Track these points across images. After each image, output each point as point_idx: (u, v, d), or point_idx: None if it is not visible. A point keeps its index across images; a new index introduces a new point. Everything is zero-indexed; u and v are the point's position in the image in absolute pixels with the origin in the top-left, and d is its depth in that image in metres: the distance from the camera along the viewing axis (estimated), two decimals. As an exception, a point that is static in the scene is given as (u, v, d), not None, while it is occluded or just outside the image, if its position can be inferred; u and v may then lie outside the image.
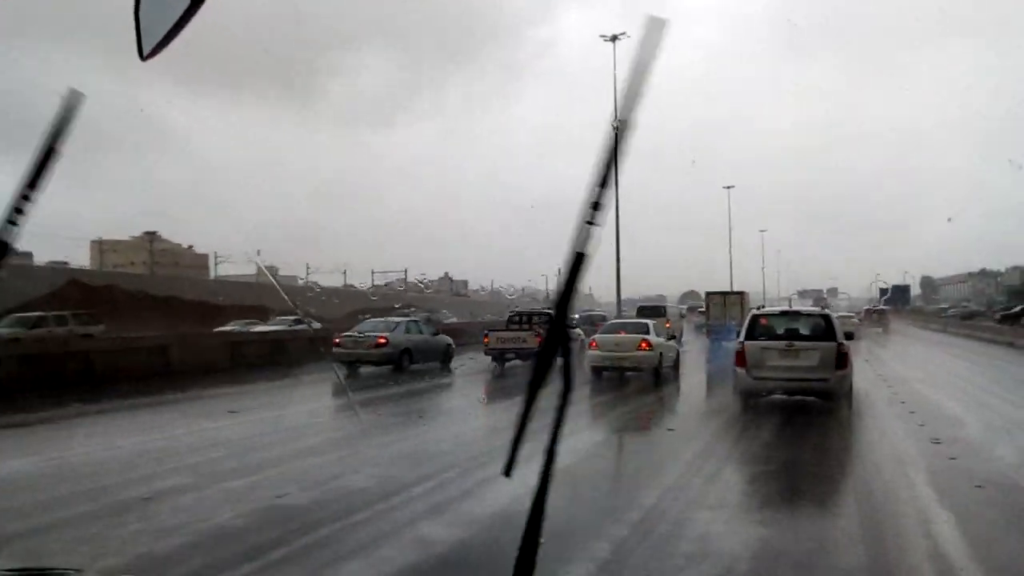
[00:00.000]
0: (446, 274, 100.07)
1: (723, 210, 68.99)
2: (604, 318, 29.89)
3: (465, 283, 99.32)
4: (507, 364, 22.91)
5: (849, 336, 15.48)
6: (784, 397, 14.06)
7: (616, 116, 1.36)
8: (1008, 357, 28.50)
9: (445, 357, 23.80)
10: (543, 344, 1.36)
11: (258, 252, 65.16)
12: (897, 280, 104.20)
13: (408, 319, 24.77)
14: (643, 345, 18.25)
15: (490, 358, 23.07)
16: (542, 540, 1.25)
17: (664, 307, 36.53)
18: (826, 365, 13.38)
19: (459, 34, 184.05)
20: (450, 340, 24.44)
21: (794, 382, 13.68)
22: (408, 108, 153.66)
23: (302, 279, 70.40)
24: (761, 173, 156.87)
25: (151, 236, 78.91)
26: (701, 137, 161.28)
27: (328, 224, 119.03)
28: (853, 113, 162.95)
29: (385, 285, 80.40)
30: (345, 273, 72.17)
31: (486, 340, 23.29)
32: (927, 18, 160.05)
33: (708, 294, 41.13)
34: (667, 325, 25.92)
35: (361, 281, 75.88)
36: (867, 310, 57.98)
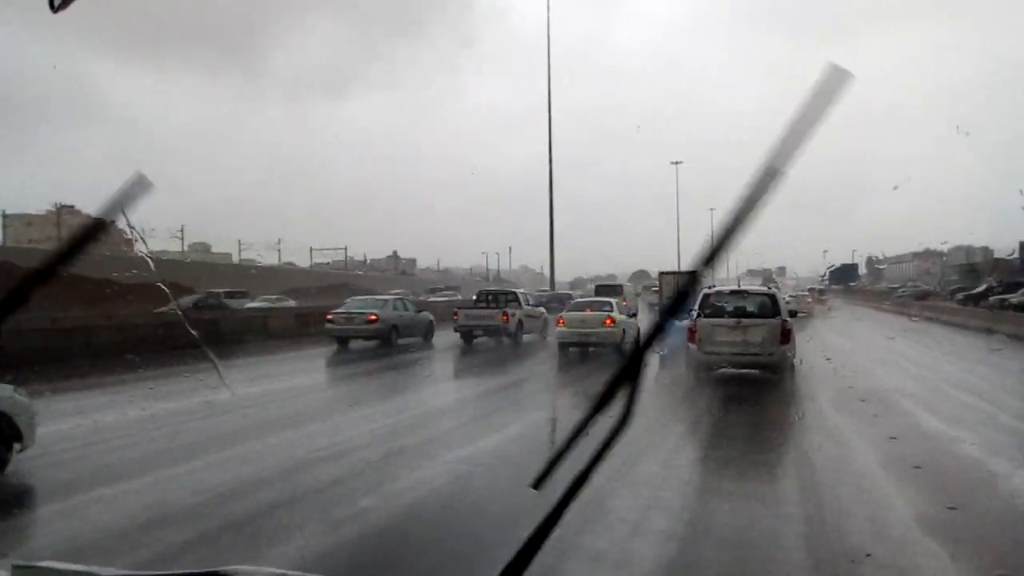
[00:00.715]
0: (394, 252, 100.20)
1: (672, 188, 70.80)
2: (571, 297, 31.77)
3: (414, 262, 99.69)
4: (475, 340, 24.73)
5: (793, 314, 17.29)
6: (733, 370, 15.69)
7: (772, 161, 1.29)
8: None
9: (427, 333, 25.98)
10: (616, 374, 1.31)
11: (181, 228, 63.50)
12: (845, 259, 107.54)
13: (395, 297, 27.42)
14: (607, 322, 20.27)
15: (459, 335, 24.85)
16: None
17: (621, 286, 39.24)
18: (771, 340, 14.97)
19: (409, 2, 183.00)
20: (431, 317, 26.42)
21: (742, 356, 15.26)
22: (357, 79, 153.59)
23: (255, 257, 69.63)
24: (711, 151, 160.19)
25: (64, 209, 74.07)
26: (649, 112, 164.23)
27: (269, 199, 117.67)
28: (800, 91, 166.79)
29: (329, 263, 79.62)
30: (279, 250, 70.32)
31: (455, 317, 25.12)
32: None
33: (661, 273, 43.18)
34: (624, 303, 27.94)
35: (296, 259, 74.76)
36: (810, 289, 60.48)
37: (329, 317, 24.29)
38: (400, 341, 24.36)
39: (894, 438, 9.76)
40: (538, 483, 1.32)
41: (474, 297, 29.08)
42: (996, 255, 79.68)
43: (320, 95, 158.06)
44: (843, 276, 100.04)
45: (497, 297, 27.16)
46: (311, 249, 76.97)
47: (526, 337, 25.63)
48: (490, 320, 24.80)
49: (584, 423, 1.32)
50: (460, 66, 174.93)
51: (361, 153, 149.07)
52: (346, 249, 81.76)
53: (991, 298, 43.06)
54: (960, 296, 50.79)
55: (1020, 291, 42.24)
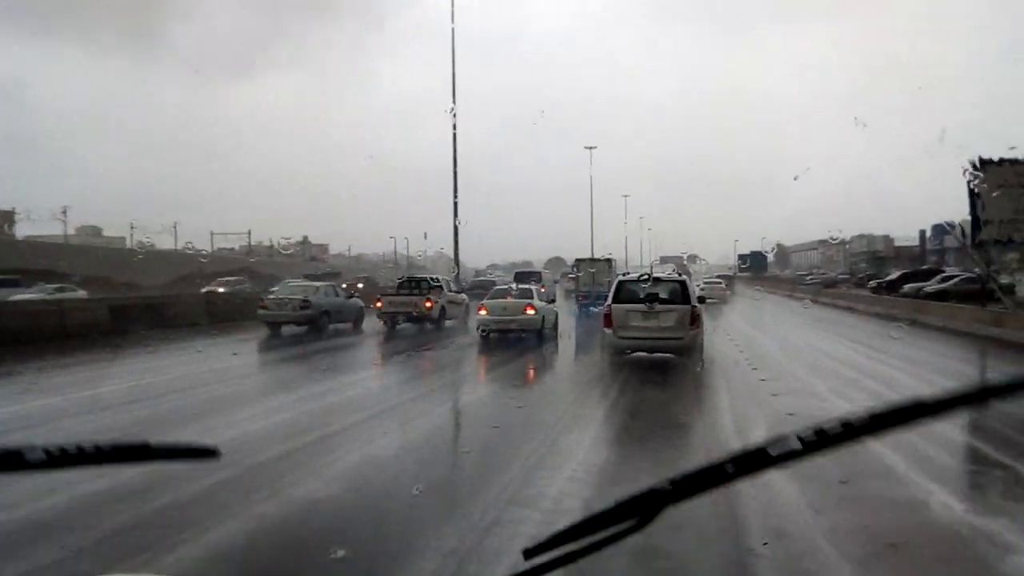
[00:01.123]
0: (304, 238, 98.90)
1: (587, 175, 71.70)
2: (494, 283, 32.70)
3: (325, 247, 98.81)
4: (397, 327, 25.51)
5: (702, 300, 18.48)
6: (645, 354, 16.74)
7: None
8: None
9: (357, 319, 26.75)
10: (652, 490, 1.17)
11: (64, 210, 61.12)
12: (755, 246, 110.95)
13: (327, 284, 28.08)
14: (528, 309, 21.28)
15: (382, 321, 25.60)
16: None
17: (540, 273, 40.50)
18: (681, 325, 16.07)
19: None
20: (362, 303, 27.08)
21: (654, 340, 16.32)
22: (265, 59, 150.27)
23: (146, 240, 67.36)
24: (627, 139, 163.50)
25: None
26: (565, 99, 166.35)
27: (171, 182, 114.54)
28: (716, 83, 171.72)
29: (234, 249, 77.70)
30: (175, 234, 67.94)
31: (378, 304, 25.94)
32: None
33: (578, 260, 44.53)
34: (542, 290, 29.08)
35: (198, 243, 73.26)
36: (719, 276, 62.80)
37: (262, 303, 24.94)
38: (331, 327, 25.25)
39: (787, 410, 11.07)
40: (531, 552, 1.24)
41: (396, 283, 29.77)
42: (896, 243, 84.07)
43: (226, 74, 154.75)
44: (753, 263, 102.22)
45: (420, 284, 27.90)
46: (212, 233, 75.01)
47: (448, 323, 26.57)
48: (413, 307, 25.60)
49: (609, 518, 1.21)
50: (371, 48, 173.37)
51: (270, 136, 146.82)
52: (249, 233, 79.96)
53: (907, 286, 41.99)
54: (873, 284, 49.84)
55: (934, 279, 41.13)
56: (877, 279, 52.34)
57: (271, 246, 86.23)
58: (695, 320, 16.24)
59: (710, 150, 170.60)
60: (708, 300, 42.52)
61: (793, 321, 32.57)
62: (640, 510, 1.19)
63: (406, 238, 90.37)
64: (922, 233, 74.18)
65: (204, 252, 68.86)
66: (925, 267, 52.34)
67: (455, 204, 35.61)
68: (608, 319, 16.40)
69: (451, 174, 39.50)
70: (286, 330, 24.19)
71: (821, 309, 39.03)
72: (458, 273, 33.46)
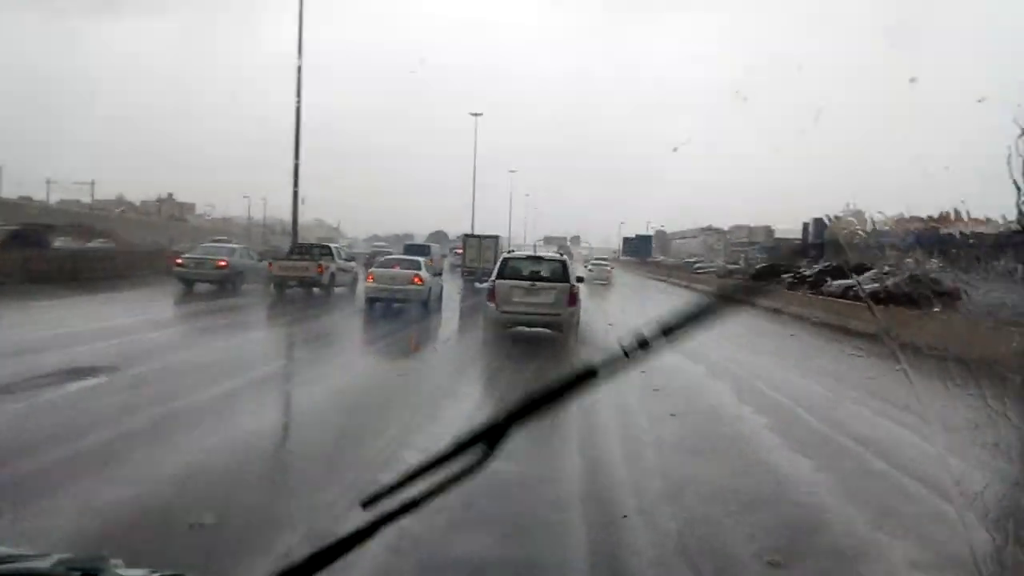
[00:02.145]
0: (169, 195, 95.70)
1: (473, 149, 71.44)
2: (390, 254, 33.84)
3: (192, 207, 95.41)
4: (287, 291, 27.03)
5: (580, 280, 20.06)
6: (525, 329, 18.19)
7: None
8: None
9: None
10: (499, 416, 1.28)
11: None
12: (639, 231, 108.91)
13: (241, 247, 30.54)
14: (415, 280, 22.72)
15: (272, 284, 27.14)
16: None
17: (429, 247, 42.18)
18: (560, 302, 17.68)
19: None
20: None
21: (534, 316, 17.86)
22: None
23: None
24: (515, 115, 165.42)
25: None
26: (450, 67, 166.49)
27: (12, 123, 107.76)
28: (608, 66, 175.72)
29: (79, 202, 73.16)
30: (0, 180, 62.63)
31: (270, 267, 27.51)
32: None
33: (466, 236, 46.11)
34: (431, 263, 30.42)
35: (35, 192, 68.24)
36: (600, 259, 65.12)
37: (179, 261, 26.75)
38: (244, 287, 27.03)
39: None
40: (367, 503, 1.29)
41: (287, 249, 31.08)
42: (776, 235, 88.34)
43: (83, 10, 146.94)
44: (638, 248, 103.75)
45: (311, 250, 29.30)
46: (48, 181, 69.88)
47: (338, 290, 27.96)
48: (304, 272, 26.93)
49: (443, 459, 1.27)
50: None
51: (130, 82, 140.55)
52: (92, 184, 74.02)
53: (833, 283, 32.30)
54: (787, 279, 41.48)
55: (866, 276, 30.95)
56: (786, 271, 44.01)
57: (119, 200, 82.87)
58: (573, 298, 17.85)
59: (598, 133, 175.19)
60: (596, 282, 45.28)
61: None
62: (485, 439, 1.27)
63: (263, 199, 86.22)
64: (805, 226, 71.95)
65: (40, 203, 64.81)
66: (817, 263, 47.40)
67: (296, 168, 34.53)
68: (492, 294, 17.88)
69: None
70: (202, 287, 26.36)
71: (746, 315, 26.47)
72: (295, 242, 33.58)
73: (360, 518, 1.27)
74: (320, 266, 27.06)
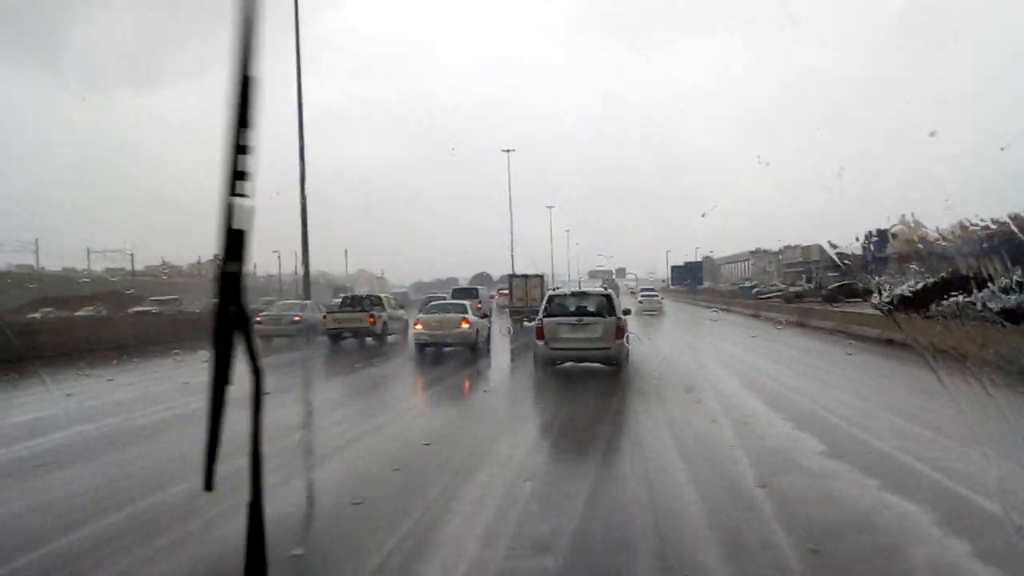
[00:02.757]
0: (215, 256, 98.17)
1: (510, 188, 72.21)
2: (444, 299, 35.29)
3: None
4: (342, 341, 28.95)
5: (627, 312, 20.57)
6: (574, 364, 18.76)
7: (241, 72, 1.47)
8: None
9: None
10: (216, 335, 1.42)
11: None
12: (684, 259, 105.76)
13: (311, 301, 33.07)
14: (463, 323, 23.42)
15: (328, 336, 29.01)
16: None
17: (476, 289, 43.38)
18: (607, 335, 18.21)
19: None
20: None
21: (582, 351, 18.41)
22: (167, 68, 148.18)
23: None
24: (550, 154, 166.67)
25: None
26: (481, 113, 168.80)
27: (60, 197, 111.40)
28: (637, 95, 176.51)
29: (123, 271, 72.34)
30: (36, 252, 64.58)
31: (324, 320, 29.55)
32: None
33: (511, 276, 46.86)
34: (478, 306, 31.53)
35: (78, 263, 69.71)
36: (644, 290, 65.00)
37: (259, 319, 29.06)
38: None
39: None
40: (208, 483, 1.36)
41: (338, 301, 33.16)
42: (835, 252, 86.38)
43: (123, 85, 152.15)
44: (688, 276, 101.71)
45: (362, 301, 31.05)
46: (88, 252, 70.76)
47: (390, 338, 29.42)
48: (358, 323, 28.59)
49: (216, 402, 1.34)
50: (282, 57, 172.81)
51: (177, 148, 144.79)
52: (132, 254, 74.26)
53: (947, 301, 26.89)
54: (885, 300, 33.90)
55: (982, 293, 28.27)
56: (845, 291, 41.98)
57: (174, 266, 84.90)
58: (620, 331, 18.32)
59: (634, 163, 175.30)
60: (647, 313, 45.72)
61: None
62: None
63: (295, 253, 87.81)
64: (868, 236, 65.65)
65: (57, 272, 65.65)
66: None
67: (303, 221, 35.94)
68: (540, 331, 18.47)
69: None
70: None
71: (868, 355, 21.80)
72: (306, 293, 36.44)
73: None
74: (372, 316, 28.81)
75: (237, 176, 1.53)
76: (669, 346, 27.57)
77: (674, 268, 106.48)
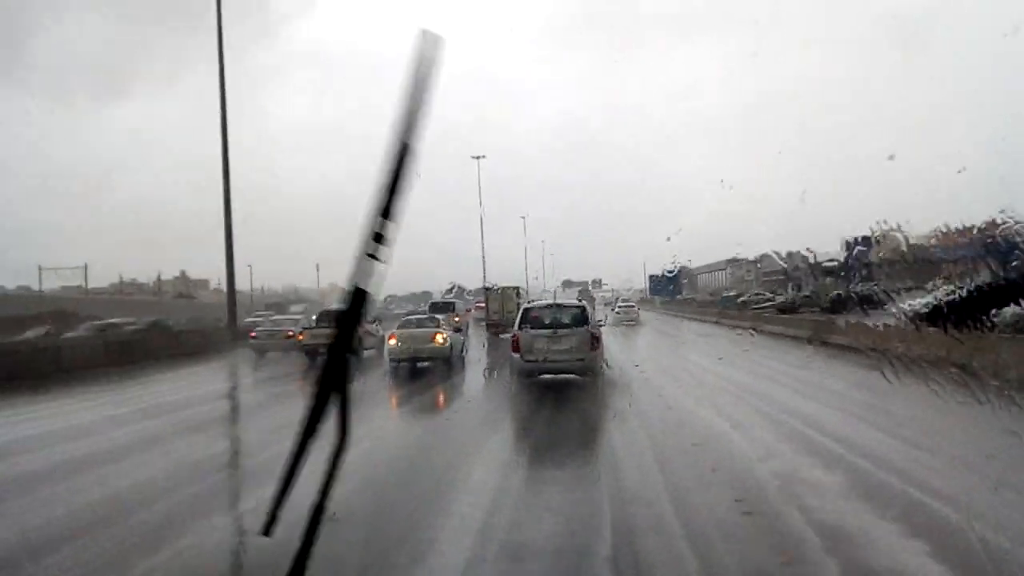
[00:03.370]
0: (182, 273, 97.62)
1: (483, 199, 72.43)
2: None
3: (206, 283, 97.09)
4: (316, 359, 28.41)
5: (601, 323, 21.00)
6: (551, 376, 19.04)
7: (400, 140, 1.48)
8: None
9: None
10: (318, 389, 1.48)
11: None
12: (662, 268, 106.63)
13: (303, 316, 35.57)
14: (436, 337, 23.57)
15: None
16: None
17: (454, 303, 43.56)
18: (582, 347, 18.61)
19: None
20: None
21: (558, 363, 18.73)
22: (136, 78, 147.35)
23: None
24: (521, 165, 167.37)
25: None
26: (458, 127, 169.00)
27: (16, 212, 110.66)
28: (613, 108, 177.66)
29: (78, 288, 73.21)
30: None
31: (300, 337, 29.85)
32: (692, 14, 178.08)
33: (486, 289, 47.16)
34: (456, 319, 31.95)
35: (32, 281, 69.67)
36: (622, 302, 65.51)
37: (253, 334, 32.63)
38: None
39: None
40: (268, 529, 1.42)
41: (314, 318, 33.36)
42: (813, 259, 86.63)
43: (91, 95, 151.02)
44: (666, 286, 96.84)
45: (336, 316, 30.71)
46: (39, 268, 70.74)
47: (366, 353, 29.07)
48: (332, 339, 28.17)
49: (299, 452, 1.40)
50: (252, 73, 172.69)
51: (147, 162, 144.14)
52: (85, 267, 75.33)
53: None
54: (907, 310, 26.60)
55: None
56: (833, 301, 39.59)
57: (136, 284, 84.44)
58: (595, 342, 18.72)
59: (608, 175, 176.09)
60: (625, 323, 46.28)
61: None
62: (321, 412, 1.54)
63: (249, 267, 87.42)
64: (851, 244, 49.40)
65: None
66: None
67: (228, 236, 37.28)
68: (516, 344, 18.85)
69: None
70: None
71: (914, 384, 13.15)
72: (233, 314, 38.82)
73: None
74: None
75: (376, 238, 1.58)
76: (674, 387, 19.34)
77: (652, 278, 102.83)
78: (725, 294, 78.65)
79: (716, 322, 47.65)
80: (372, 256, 1.59)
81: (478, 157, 72.02)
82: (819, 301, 45.64)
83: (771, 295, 61.69)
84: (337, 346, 1.69)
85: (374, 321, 32.83)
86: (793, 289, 66.19)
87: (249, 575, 6.27)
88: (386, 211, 1.55)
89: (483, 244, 71.20)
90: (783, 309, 47.06)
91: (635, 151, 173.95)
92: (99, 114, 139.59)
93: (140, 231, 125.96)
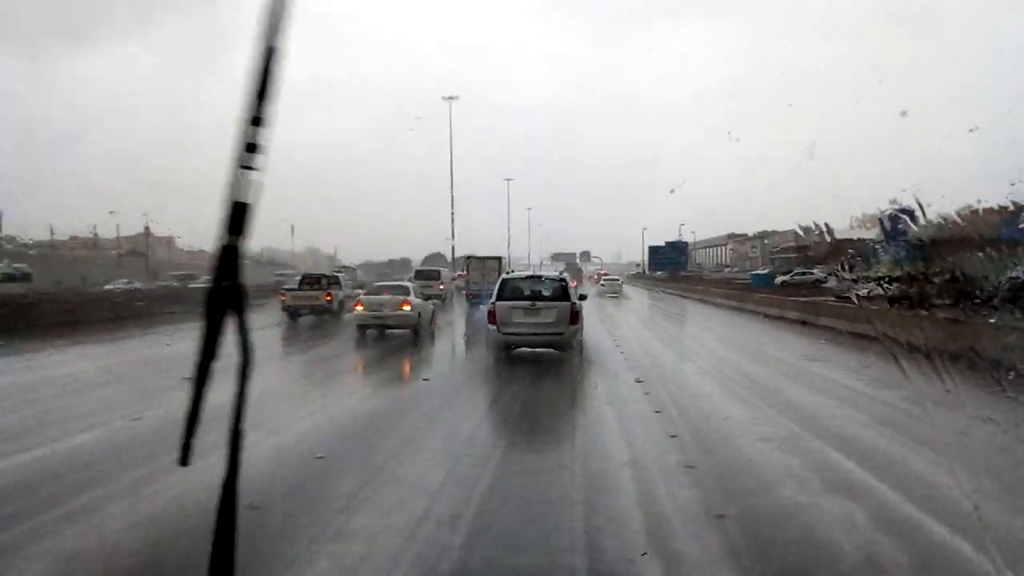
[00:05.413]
0: (146, 229, 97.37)
1: (468, 172, 72.92)
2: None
3: (170, 240, 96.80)
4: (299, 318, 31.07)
5: (583, 297, 20.93)
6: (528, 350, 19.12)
7: (265, 42, 1.50)
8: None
9: None
10: (208, 307, 1.51)
11: None
12: (655, 242, 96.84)
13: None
14: (404, 305, 23.70)
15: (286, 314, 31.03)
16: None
17: (439, 271, 44.05)
18: (561, 321, 18.65)
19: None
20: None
21: (536, 336, 18.86)
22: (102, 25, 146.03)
23: None
24: (513, 134, 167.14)
25: None
26: (446, 93, 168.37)
27: None
28: (606, 82, 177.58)
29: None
30: None
31: (283, 298, 31.55)
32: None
33: (468, 258, 47.17)
34: (441, 287, 32.29)
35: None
36: (598, 273, 66.31)
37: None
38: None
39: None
40: (184, 458, 1.47)
41: (298, 279, 34.83)
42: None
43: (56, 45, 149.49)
44: (669, 259, 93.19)
45: (320, 280, 33.54)
46: None
47: (347, 316, 30.18)
48: (315, 300, 31.30)
49: (200, 377, 1.46)
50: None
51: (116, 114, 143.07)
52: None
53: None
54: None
55: None
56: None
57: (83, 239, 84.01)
58: (575, 316, 18.64)
59: (601, 146, 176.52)
60: (608, 295, 46.55)
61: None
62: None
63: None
64: (895, 215, 33.95)
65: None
66: None
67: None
68: (492, 316, 18.89)
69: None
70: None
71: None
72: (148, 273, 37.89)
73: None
74: (329, 294, 31.67)
75: (249, 148, 1.56)
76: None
77: (652, 249, 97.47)
78: (755, 272, 70.12)
79: (768, 315, 33.98)
80: (247, 167, 1.55)
81: (450, 98, 71.82)
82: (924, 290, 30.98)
83: (822, 274, 49.03)
84: (224, 261, 1.59)
85: (357, 287, 34.98)
86: (845, 268, 57.14)
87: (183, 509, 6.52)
88: (256, 119, 1.53)
89: (452, 205, 71.50)
90: (894, 300, 28.51)
91: (630, 125, 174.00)
92: (60, 64, 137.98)
93: (107, 185, 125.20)
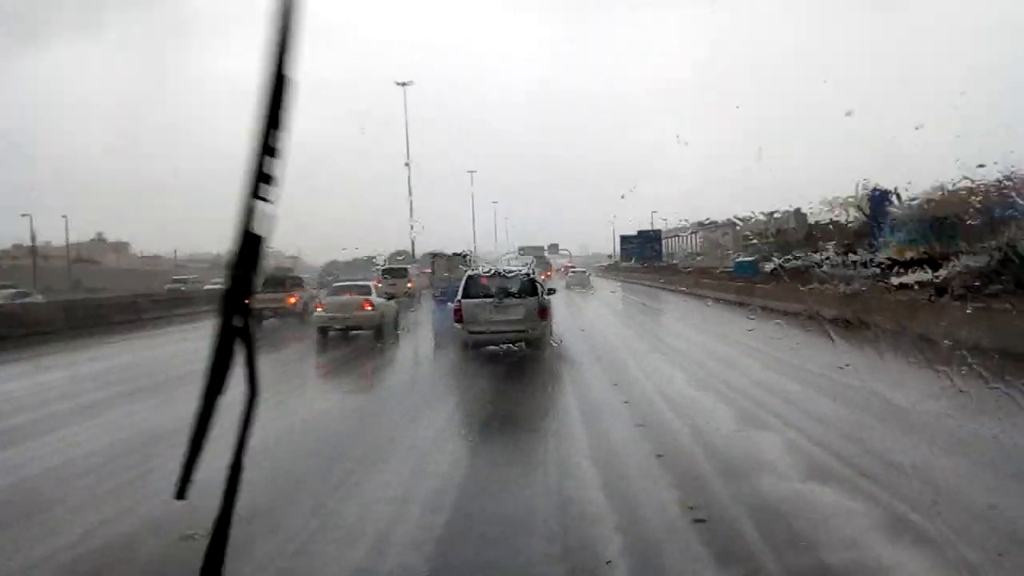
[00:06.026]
0: (98, 235, 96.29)
1: (438, 169, 71.95)
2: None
3: (126, 246, 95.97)
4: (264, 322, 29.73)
5: (551, 292, 20.85)
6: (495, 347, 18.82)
7: (275, 70, 1.47)
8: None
9: None
10: (217, 342, 1.50)
11: None
12: (627, 232, 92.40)
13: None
14: (365, 305, 23.48)
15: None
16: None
17: (406, 269, 43.24)
18: (530, 317, 18.57)
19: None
20: None
21: (503, 333, 18.66)
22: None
23: None
24: (478, 125, 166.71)
25: None
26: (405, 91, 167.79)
27: None
28: (574, 72, 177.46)
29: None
30: None
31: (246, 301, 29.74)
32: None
33: (432, 255, 46.59)
34: (410, 285, 32.24)
35: None
36: (565, 266, 66.16)
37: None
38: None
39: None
40: (182, 491, 1.45)
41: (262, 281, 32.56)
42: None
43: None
44: (641, 248, 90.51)
45: (284, 281, 32.39)
46: None
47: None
48: (279, 303, 29.64)
49: (206, 410, 1.44)
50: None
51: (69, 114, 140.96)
52: None
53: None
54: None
55: None
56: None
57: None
58: (543, 312, 18.44)
59: (565, 140, 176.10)
60: (576, 287, 46.42)
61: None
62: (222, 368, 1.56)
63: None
64: (878, 195, 40.40)
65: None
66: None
67: None
68: (458, 313, 18.80)
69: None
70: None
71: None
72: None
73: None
74: (293, 296, 30.89)
75: (261, 178, 1.52)
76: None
77: (624, 240, 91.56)
78: (738, 259, 62.74)
79: (738, 301, 30.56)
80: (259, 197, 1.53)
81: (404, 84, 71.03)
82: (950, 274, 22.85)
83: (821, 257, 41.35)
84: (234, 294, 1.59)
85: (321, 287, 34.20)
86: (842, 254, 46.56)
87: (171, 541, 6.10)
88: (270, 148, 1.51)
89: (410, 195, 70.75)
90: (942, 290, 21.41)
91: (593, 118, 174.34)
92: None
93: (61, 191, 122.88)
